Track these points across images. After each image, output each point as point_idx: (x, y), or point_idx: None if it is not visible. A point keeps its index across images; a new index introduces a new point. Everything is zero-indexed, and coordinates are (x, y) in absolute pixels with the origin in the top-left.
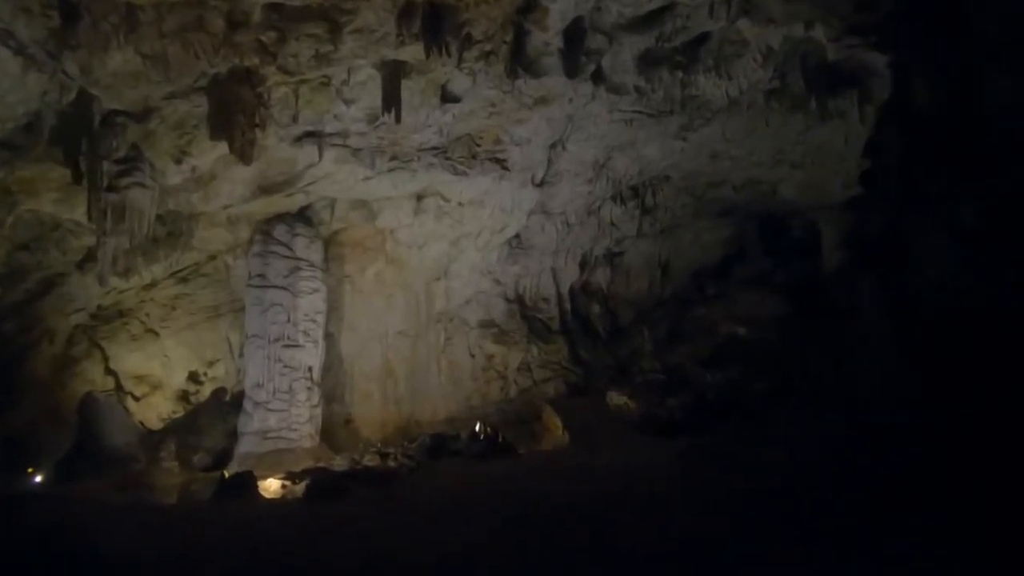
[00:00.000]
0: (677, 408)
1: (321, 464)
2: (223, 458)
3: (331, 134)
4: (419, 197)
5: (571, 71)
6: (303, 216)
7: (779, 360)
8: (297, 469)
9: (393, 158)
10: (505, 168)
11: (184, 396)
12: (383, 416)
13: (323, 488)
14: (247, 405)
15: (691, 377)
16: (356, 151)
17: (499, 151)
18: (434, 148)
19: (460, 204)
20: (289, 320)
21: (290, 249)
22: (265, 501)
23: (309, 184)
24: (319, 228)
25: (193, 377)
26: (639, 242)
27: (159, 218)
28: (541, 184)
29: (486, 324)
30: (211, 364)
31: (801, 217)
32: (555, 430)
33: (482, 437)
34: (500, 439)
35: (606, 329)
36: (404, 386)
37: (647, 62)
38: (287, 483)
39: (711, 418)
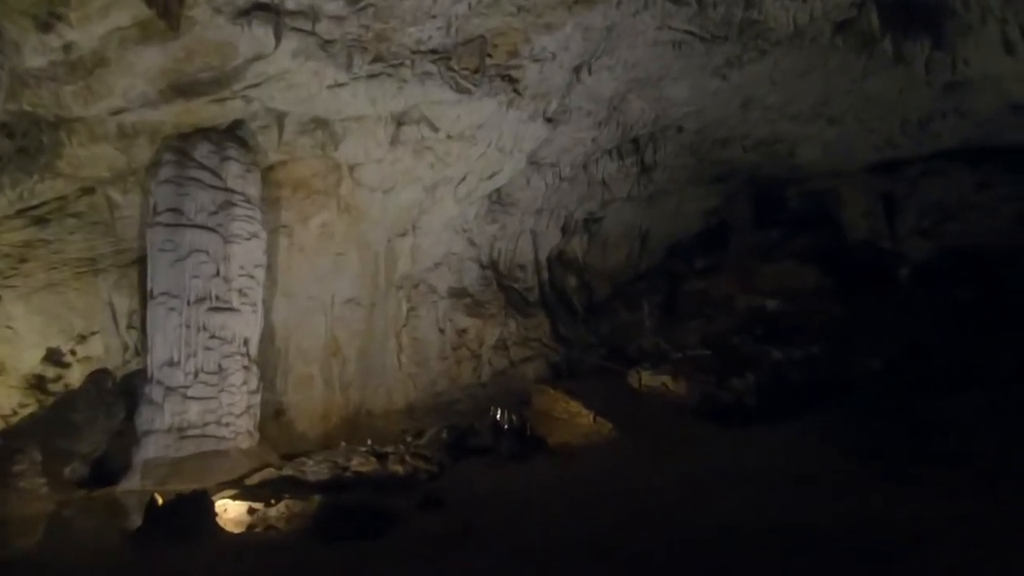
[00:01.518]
0: (746, 390)
1: (288, 471)
2: (109, 468)
3: (293, 12)
4: (399, 123)
5: None
6: (234, 135)
7: (847, 333)
8: (234, 477)
9: (377, 59)
10: (516, 91)
11: (39, 384)
12: (325, 406)
13: (347, 515)
14: (152, 392)
15: (749, 354)
16: (327, 43)
17: (513, 66)
18: (434, 51)
19: (449, 137)
20: (219, 274)
21: (218, 177)
22: (235, 543)
23: (251, 87)
24: (255, 156)
25: (53, 357)
26: (623, 208)
27: (3, 126)
28: (551, 120)
29: (458, 293)
30: (82, 339)
31: (800, 186)
32: (571, 418)
33: (506, 427)
34: (528, 430)
35: (583, 304)
36: (354, 368)
37: None
38: (257, 507)
39: (793, 400)
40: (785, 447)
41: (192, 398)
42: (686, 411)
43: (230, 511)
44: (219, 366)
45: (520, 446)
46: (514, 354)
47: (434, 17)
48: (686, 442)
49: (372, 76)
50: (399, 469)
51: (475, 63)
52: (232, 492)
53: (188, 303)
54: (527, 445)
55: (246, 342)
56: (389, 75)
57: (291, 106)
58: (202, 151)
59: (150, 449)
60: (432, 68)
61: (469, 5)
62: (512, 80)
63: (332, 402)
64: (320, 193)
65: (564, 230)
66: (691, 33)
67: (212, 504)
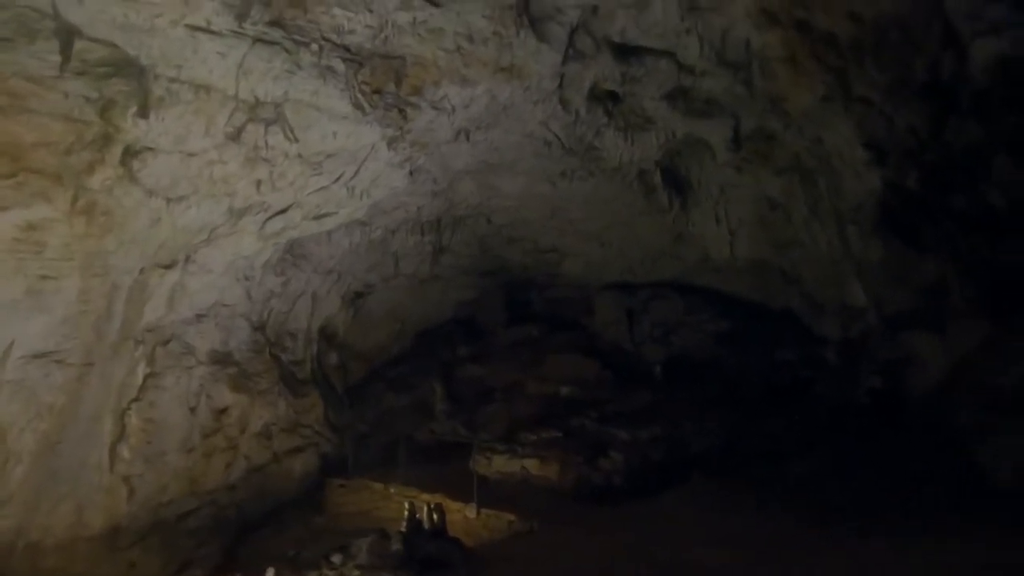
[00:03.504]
0: (614, 470)
1: None
2: None
3: None
4: (251, 116)
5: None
6: None
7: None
8: None
9: (277, 24)
10: (402, 131)
11: None
12: None
13: None
14: None
15: (597, 436)
16: None
17: (411, 104)
18: (346, 49)
19: (299, 155)
20: None
21: None
22: None
23: None
24: None
25: None
26: (395, 284)
27: None
28: (411, 174)
29: (221, 359)
30: None
31: (544, 292)
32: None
33: (426, 527)
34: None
35: (343, 385)
36: (25, 470)
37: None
38: None
39: (658, 476)
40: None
41: None
42: (564, 494)
43: None
44: None
45: (453, 551)
46: (279, 444)
47: (371, 11)
48: (597, 528)
49: (262, 41)
50: None
51: (380, 83)
52: None
53: None
54: (453, 549)
55: None
56: (286, 51)
57: (97, 19)
58: None
59: None
60: (339, 67)
61: (414, 19)
62: (405, 118)
63: None
64: (42, 175)
65: (343, 299)
66: (557, 138)
67: None
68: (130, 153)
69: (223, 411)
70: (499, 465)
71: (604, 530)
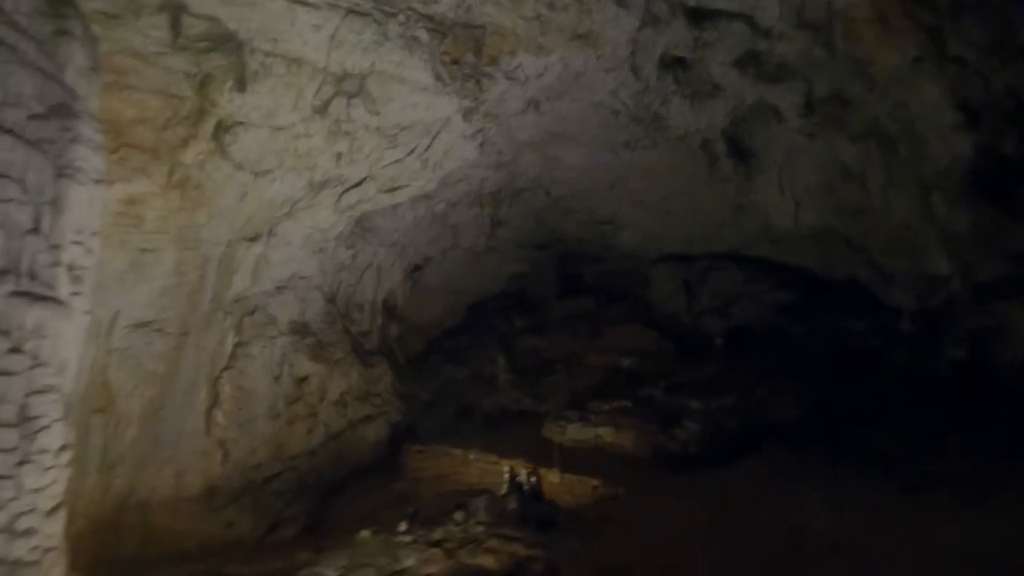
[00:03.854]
0: (689, 439)
1: None
2: None
3: None
4: (338, 88)
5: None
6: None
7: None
8: None
9: None
10: (477, 102)
11: None
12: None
13: None
14: None
15: (667, 405)
16: None
17: (487, 75)
18: (430, 19)
19: (378, 129)
20: (37, 229)
21: (51, 60)
22: None
23: None
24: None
25: None
26: (452, 257)
27: None
28: (481, 146)
29: (300, 329)
30: None
31: (596, 265)
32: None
33: (525, 489)
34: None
35: (403, 357)
36: (135, 433)
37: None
38: None
39: (733, 445)
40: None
41: None
42: (639, 462)
43: None
44: (22, 410)
45: (556, 512)
46: (353, 412)
47: None
48: (684, 492)
49: (354, 12)
50: (491, 562)
51: (459, 54)
52: None
53: None
54: (555, 510)
55: (63, 367)
56: (376, 22)
57: None
58: (22, 5)
59: None
60: (423, 37)
61: None
62: (480, 88)
63: (79, 494)
64: (140, 150)
65: (404, 272)
66: (625, 106)
67: None
68: (222, 128)
69: (303, 380)
70: (573, 433)
71: (692, 495)
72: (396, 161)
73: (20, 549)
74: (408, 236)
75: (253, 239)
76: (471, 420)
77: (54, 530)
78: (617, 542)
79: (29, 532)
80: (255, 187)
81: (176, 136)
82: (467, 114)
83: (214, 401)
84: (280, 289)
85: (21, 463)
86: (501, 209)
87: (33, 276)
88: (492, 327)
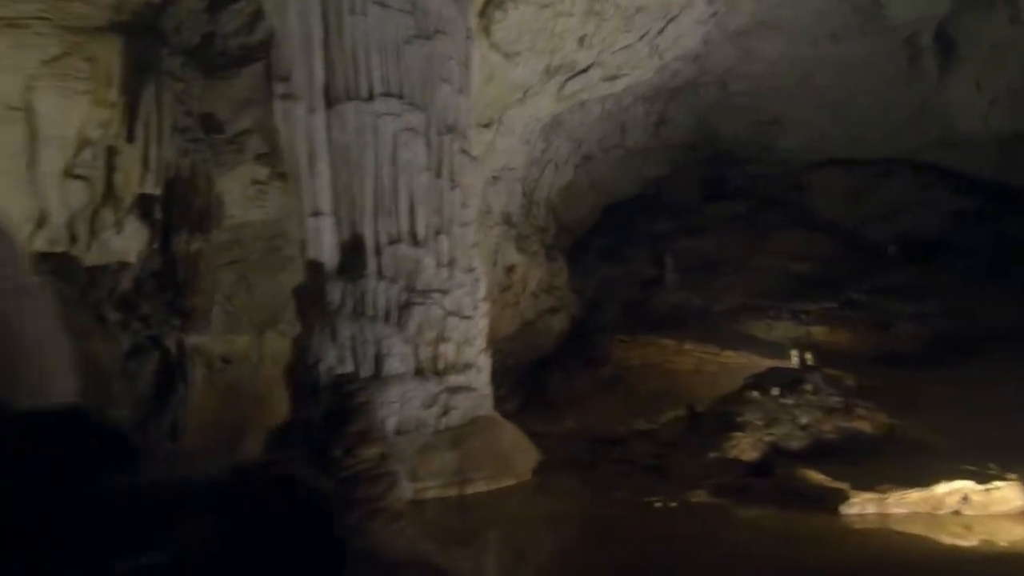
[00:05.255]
0: (908, 339)
1: None
2: None
3: None
4: None
5: None
6: None
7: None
8: None
9: None
10: None
11: None
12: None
13: None
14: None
15: (880, 308)
16: None
17: None
18: None
19: (618, 7)
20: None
21: None
22: None
23: None
24: None
25: None
26: (609, 156)
27: None
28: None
29: (506, 219)
30: None
31: (740, 167)
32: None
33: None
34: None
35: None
36: None
37: None
38: None
39: (950, 349)
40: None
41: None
42: (862, 361)
43: None
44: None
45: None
46: (541, 303)
47: None
48: (935, 380)
49: None
50: (867, 427)
51: None
52: None
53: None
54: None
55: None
56: None
57: None
58: None
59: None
60: None
61: None
62: None
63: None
64: None
65: (575, 169)
66: None
67: None
68: (493, 3)
69: (511, 269)
70: (784, 331)
71: (949, 382)
72: (626, 47)
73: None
74: (588, 132)
75: (486, 125)
76: (641, 317)
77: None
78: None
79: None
80: (501, 70)
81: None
82: None
83: None
84: (495, 179)
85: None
86: (669, 107)
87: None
88: (637, 228)
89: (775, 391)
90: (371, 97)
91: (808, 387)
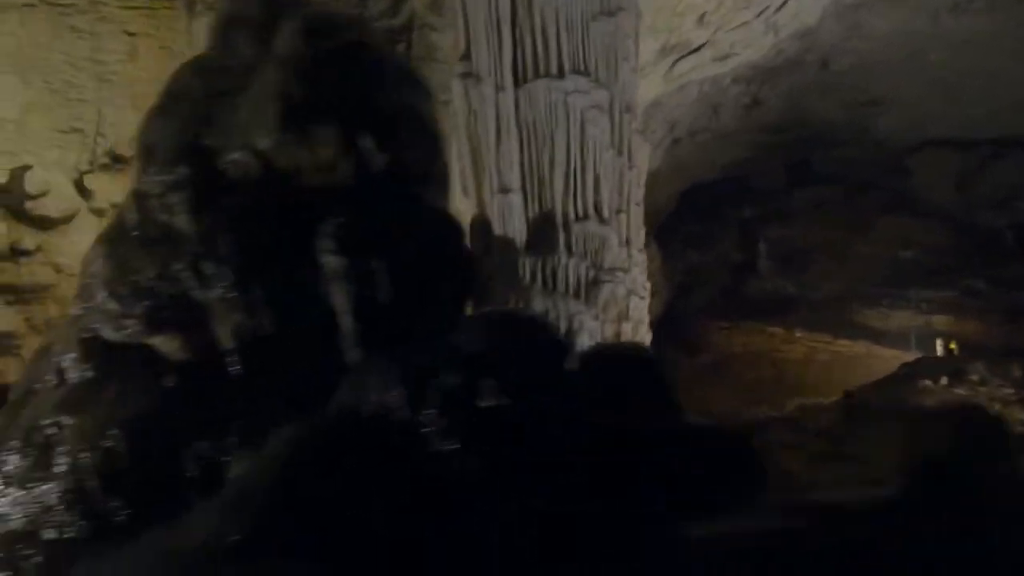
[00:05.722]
0: None
1: None
2: None
3: None
4: None
5: None
6: None
7: None
8: None
9: None
10: None
11: None
12: None
13: None
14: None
15: (999, 296)
16: None
17: None
18: None
19: None
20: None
21: None
22: None
23: None
24: None
25: None
26: (698, 138)
27: None
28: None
29: None
30: None
31: (827, 151)
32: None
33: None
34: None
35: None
36: None
37: None
38: None
39: None
40: None
41: None
42: (993, 351)
43: None
44: None
45: None
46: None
47: None
48: None
49: None
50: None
51: None
52: None
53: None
54: None
55: None
56: None
57: None
58: None
59: None
60: None
61: None
62: None
63: None
64: None
65: (664, 153)
66: None
67: None
68: None
69: None
70: (901, 320)
71: None
72: (742, 24)
73: None
74: (683, 114)
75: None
76: (734, 304)
77: None
78: None
79: None
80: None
81: None
82: None
83: None
84: None
85: None
86: (764, 88)
87: None
88: (723, 213)
89: (944, 380)
90: (561, 75)
91: (974, 377)
